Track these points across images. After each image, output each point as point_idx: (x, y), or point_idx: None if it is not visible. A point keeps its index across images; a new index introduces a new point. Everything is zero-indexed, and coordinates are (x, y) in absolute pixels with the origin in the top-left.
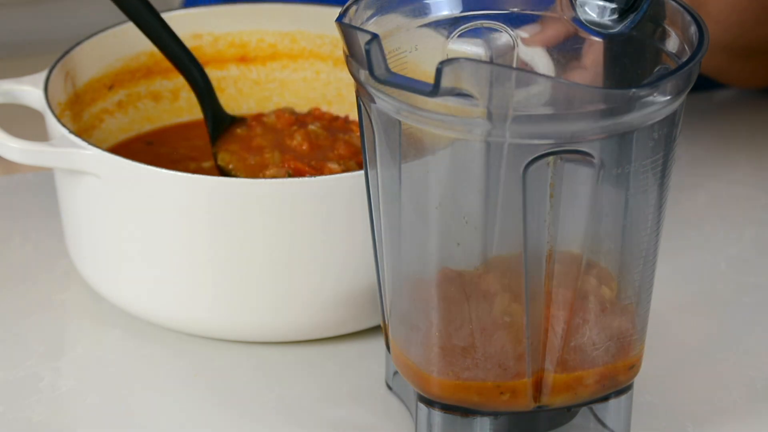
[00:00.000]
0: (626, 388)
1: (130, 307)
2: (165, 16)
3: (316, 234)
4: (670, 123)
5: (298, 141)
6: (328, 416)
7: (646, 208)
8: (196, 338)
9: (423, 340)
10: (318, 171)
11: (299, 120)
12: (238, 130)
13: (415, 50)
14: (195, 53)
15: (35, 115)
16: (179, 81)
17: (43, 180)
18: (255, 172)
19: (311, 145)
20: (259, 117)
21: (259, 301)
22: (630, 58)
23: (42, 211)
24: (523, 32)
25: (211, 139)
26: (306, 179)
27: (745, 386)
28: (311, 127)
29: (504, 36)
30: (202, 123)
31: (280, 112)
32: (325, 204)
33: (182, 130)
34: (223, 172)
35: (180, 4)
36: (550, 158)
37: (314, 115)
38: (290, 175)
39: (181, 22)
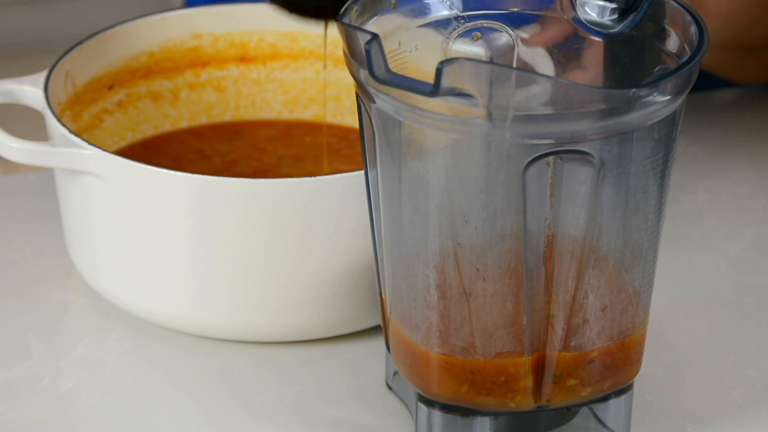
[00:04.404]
0: (626, 388)
1: (130, 307)
2: (165, 15)
3: (316, 234)
4: (670, 123)
5: None
6: (328, 416)
7: (646, 208)
8: (196, 338)
9: (423, 340)
10: None
11: None
12: None
13: (415, 50)
14: (195, 53)
15: (35, 115)
16: (179, 81)
17: (43, 180)
18: None
19: None
20: None
21: (259, 300)
22: (630, 58)
23: (42, 211)
24: (523, 32)
25: None
26: (306, 179)
27: (745, 386)
28: None
29: (504, 36)
30: (202, 126)
31: None
32: (325, 203)
33: (182, 131)
34: None
35: (181, 3)
36: (550, 158)
37: None
38: None
39: (181, 22)
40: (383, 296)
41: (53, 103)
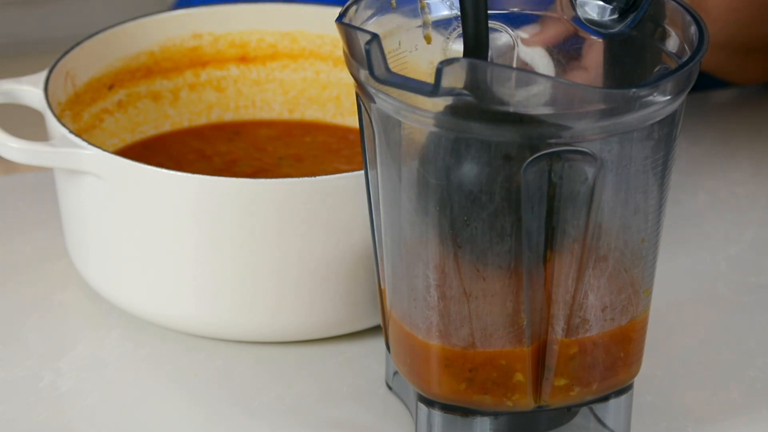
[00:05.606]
0: (626, 388)
1: (130, 307)
2: (165, 15)
3: (316, 233)
4: (670, 123)
5: None
6: (328, 416)
7: (646, 208)
8: (196, 338)
9: (423, 339)
10: None
11: None
12: None
13: (415, 50)
14: (195, 53)
15: (35, 115)
16: (179, 81)
17: (43, 180)
18: None
19: None
20: None
21: (259, 300)
22: (630, 58)
23: (42, 211)
24: (523, 32)
25: None
26: (306, 179)
27: (745, 386)
28: None
29: (504, 36)
30: (202, 126)
31: None
32: (325, 203)
33: (182, 131)
34: None
35: (171, 5)
36: (550, 158)
37: None
38: None
39: (181, 22)
40: (383, 295)
41: (53, 103)
